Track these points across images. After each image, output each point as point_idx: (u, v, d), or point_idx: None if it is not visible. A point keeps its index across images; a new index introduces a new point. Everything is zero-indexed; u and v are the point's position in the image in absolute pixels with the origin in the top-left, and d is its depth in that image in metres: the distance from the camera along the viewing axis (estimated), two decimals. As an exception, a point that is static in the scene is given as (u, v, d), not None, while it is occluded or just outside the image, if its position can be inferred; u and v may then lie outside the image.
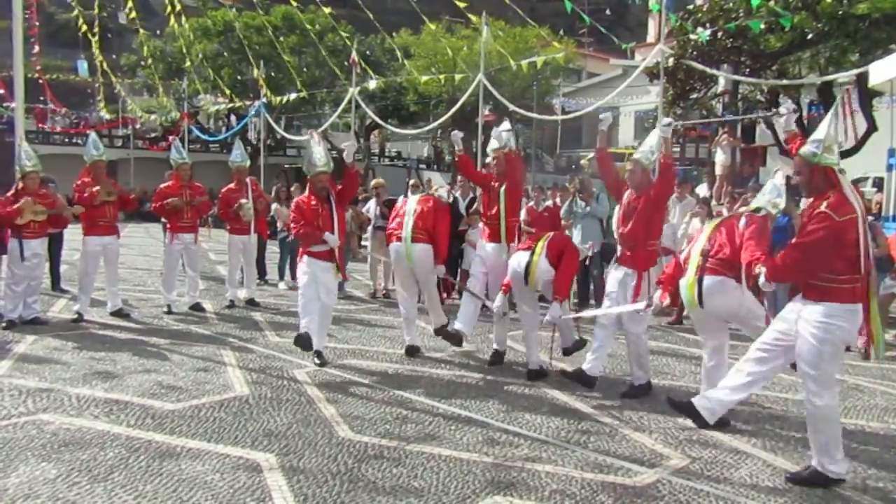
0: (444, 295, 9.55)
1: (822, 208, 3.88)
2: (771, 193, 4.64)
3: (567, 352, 6.50)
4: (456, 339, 6.60)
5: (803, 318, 4.03)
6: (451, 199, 10.76)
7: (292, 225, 6.74)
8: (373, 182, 11.28)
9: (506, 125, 6.77)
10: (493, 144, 6.63)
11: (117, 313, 8.37)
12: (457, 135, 7.30)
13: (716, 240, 4.85)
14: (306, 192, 6.68)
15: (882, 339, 4.22)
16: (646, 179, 5.56)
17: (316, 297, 6.38)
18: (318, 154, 6.53)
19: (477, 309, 6.64)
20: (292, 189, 11.96)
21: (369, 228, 10.67)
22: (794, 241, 4.03)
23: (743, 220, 4.78)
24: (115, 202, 8.30)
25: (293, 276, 11.43)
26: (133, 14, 15.63)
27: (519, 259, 6.20)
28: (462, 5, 12.68)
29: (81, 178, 8.25)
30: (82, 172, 8.28)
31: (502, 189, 6.49)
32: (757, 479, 4.11)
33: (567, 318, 6.10)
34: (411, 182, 11.49)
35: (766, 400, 5.60)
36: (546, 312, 6.08)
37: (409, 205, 6.87)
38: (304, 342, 6.26)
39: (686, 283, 4.91)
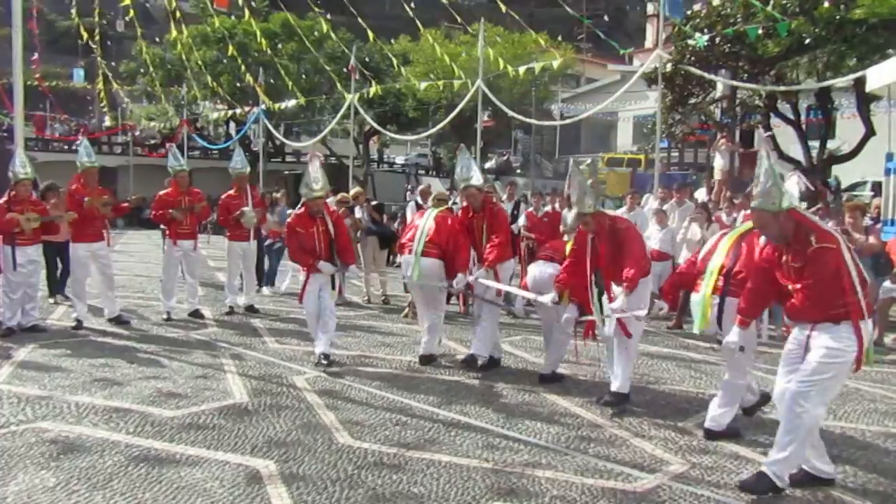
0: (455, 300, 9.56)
1: (816, 245, 3.83)
2: None
3: (543, 378, 6.19)
4: (472, 363, 6.54)
5: (817, 336, 3.91)
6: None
7: (288, 247, 6.97)
8: (352, 192, 11.24)
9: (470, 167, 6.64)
10: (467, 180, 6.46)
11: (116, 320, 8.34)
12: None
13: (738, 257, 4.69)
14: (301, 210, 6.77)
15: (872, 346, 4.14)
16: (602, 220, 5.38)
17: (318, 309, 6.64)
18: (316, 177, 6.61)
19: (494, 333, 6.65)
20: (277, 196, 11.95)
21: (358, 234, 10.67)
22: (805, 283, 3.90)
23: (763, 237, 4.66)
24: (111, 211, 8.33)
25: (271, 283, 11.42)
26: (136, 23, 15.68)
27: (541, 268, 6.15)
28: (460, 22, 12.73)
29: (73, 184, 8.22)
30: (73, 179, 8.25)
31: (484, 226, 6.45)
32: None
33: (573, 318, 5.94)
34: (420, 187, 11.42)
35: (767, 405, 5.58)
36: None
37: (425, 219, 6.75)
38: (327, 364, 6.55)
39: (701, 300, 4.74)
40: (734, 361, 4.74)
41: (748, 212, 5.84)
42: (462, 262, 6.55)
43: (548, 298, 5.71)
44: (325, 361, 6.56)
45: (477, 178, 6.45)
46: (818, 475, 4.07)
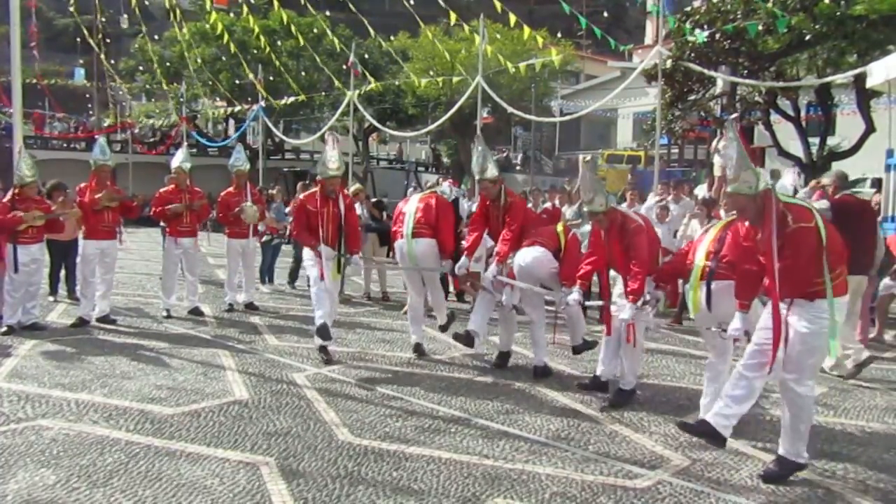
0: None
1: (793, 225, 3.88)
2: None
3: (576, 350, 6.51)
4: (468, 339, 6.46)
5: (795, 313, 4.00)
6: (452, 197, 10.73)
7: (294, 224, 6.93)
8: (352, 189, 11.29)
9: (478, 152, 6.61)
10: (483, 173, 6.44)
11: (103, 319, 8.25)
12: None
13: (723, 243, 4.76)
14: (317, 191, 6.75)
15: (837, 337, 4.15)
16: (614, 217, 5.42)
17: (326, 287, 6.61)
18: (333, 157, 6.65)
19: (489, 311, 6.57)
20: (273, 192, 11.97)
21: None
22: (784, 263, 3.93)
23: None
24: (117, 208, 8.30)
25: (270, 279, 11.41)
26: (140, 21, 15.63)
27: (524, 253, 6.16)
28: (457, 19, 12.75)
29: (89, 182, 8.25)
30: (90, 177, 8.27)
31: (501, 216, 6.42)
32: (758, 481, 4.10)
33: (577, 302, 5.75)
34: (429, 184, 11.47)
35: (766, 401, 5.59)
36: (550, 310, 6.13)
37: (411, 203, 6.90)
38: (323, 332, 6.49)
39: (691, 287, 4.83)
40: (719, 345, 4.84)
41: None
42: (471, 245, 6.58)
43: (574, 299, 5.66)
44: (324, 357, 6.61)
45: (491, 172, 6.45)
46: (796, 460, 4.11)
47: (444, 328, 7.08)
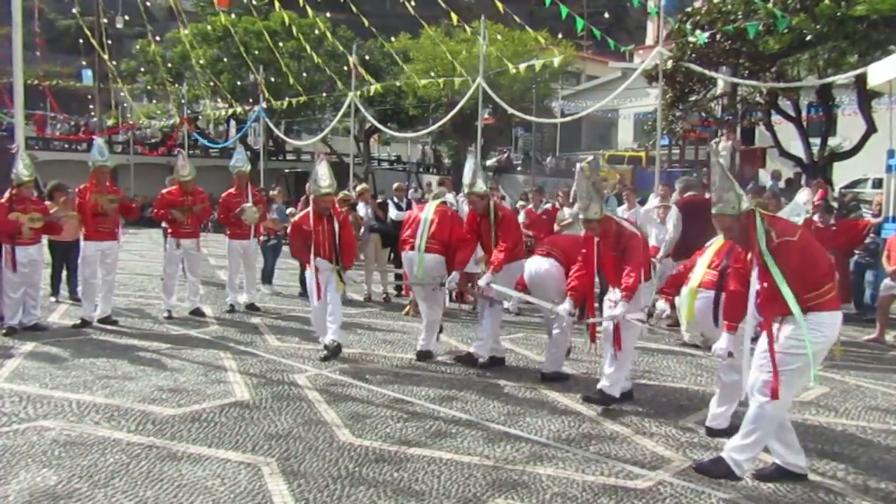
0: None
1: (777, 239, 3.90)
2: (791, 212, 4.63)
3: (545, 377, 6.12)
4: (471, 361, 6.51)
5: (784, 327, 3.96)
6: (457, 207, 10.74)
7: (291, 244, 6.98)
8: (358, 188, 11.32)
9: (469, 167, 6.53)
10: (471, 186, 6.42)
11: (105, 320, 8.24)
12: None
13: (723, 256, 4.74)
14: (310, 210, 6.77)
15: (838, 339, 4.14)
16: (608, 225, 5.38)
17: (326, 305, 6.67)
18: (324, 175, 6.66)
19: (495, 333, 6.58)
20: (274, 193, 11.97)
21: (361, 231, 10.64)
22: (770, 281, 3.93)
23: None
24: (117, 209, 8.30)
25: (269, 281, 11.40)
26: (144, 21, 15.69)
27: (538, 264, 6.10)
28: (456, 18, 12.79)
29: (89, 183, 8.26)
30: (90, 178, 8.28)
31: (492, 231, 6.40)
32: (758, 482, 4.10)
33: (568, 313, 5.69)
34: (434, 183, 11.48)
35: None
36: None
37: (426, 213, 6.80)
38: (335, 352, 6.62)
39: (688, 293, 4.79)
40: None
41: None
42: (462, 258, 6.56)
43: (564, 309, 5.62)
44: (335, 344, 6.59)
45: (479, 186, 6.42)
46: (790, 469, 4.09)
47: (420, 356, 6.79)
